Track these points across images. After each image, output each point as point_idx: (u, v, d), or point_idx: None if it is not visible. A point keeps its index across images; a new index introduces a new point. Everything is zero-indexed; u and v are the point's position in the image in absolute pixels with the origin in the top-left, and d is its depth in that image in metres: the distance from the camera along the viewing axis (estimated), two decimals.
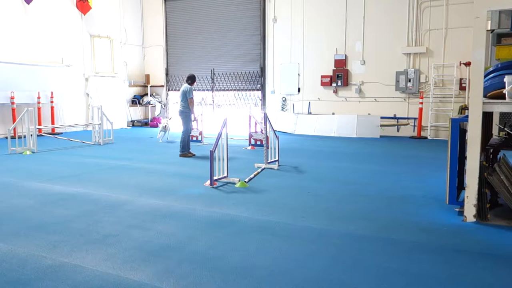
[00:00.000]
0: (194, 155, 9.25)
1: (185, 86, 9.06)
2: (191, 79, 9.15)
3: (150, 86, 17.54)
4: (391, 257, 3.71)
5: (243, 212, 5.05)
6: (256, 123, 10.78)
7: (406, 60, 13.21)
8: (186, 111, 9.05)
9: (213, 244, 4.01)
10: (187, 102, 8.97)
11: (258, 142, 10.62)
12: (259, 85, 15.67)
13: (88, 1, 14.68)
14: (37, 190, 6.15)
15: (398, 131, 13.27)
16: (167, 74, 17.44)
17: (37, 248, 3.90)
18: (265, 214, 4.99)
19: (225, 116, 6.91)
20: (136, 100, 17.19)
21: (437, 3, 12.69)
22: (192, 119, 9.18)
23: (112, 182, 6.74)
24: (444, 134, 12.60)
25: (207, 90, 16.48)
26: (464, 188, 4.82)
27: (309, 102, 14.63)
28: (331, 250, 3.88)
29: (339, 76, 13.99)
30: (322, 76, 14.30)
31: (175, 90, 17.33)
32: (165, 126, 11.79)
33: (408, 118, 13.19)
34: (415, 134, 13.02)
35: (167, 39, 17.25)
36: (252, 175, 7.11)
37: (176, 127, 12.67)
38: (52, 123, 13.49)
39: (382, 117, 13.20)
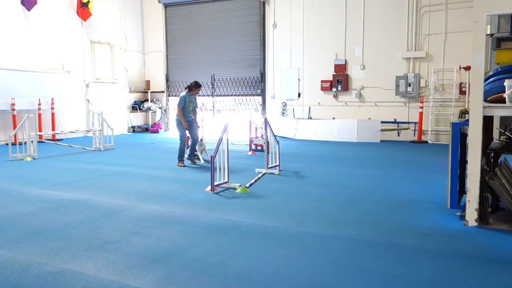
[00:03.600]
0: (184, 165, 8.63)
1: (182, 93, 8.76)
2: (189, 86, 8.71)
3: (151, 92, 17.57)
4: (393, 262, 3.70)
5: (244, 218, 5.04)
6: (256, 128, 10.79)
7: (406, 65, 13.24)
8: (177, 119, 8.71)
9: (214, 250, 4.00)
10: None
11: (259, 147, 10.63)
12: (259, 90, 15.70)
13: (88, 8, 14.74)
14: (37, 197, 6.14)
15: (398, 135, 13.27)
16: (167, 80, 17.48)
17: (38, 255, 3.89)
18: (266, 219, 4.98)
19: (226, 122, 6.92)
20: (137, 106, 17.21)
21: (436, 7, 12.73)
22: (185, 126, 8.62)
23: (113, 188, 6.73)
24: (445, 139, 12.59)
25: (208, 95, 16.50)
26: (465, 192, 4.81)
27: (309, 107, 14.65)
28: (332, 256, 3.87)
29: (339, 81, 14.02)
30: (322, 81, 14.32)
31: (175, 96, 17.35)
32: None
33: (408, 123, 13.19)
34: (415, 138, 13.01)
35: (167, 45, 17.30)
36: (253, 180, 7.10)
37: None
38: (53, 129, 13.50)
39: (382, 122, 13.20)
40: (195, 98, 8.86)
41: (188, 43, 16.82)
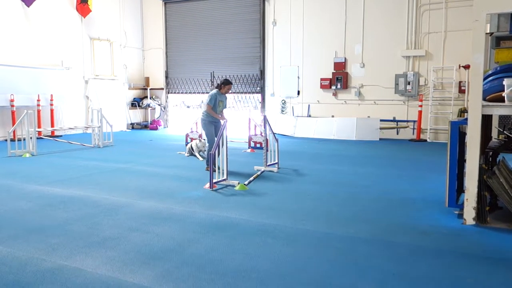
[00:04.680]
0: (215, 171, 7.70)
1: (212, 90, 7.88)
2: (219, 84, 7.88)
3: (150, 89, 17.54)
4: (391, 260, 3.71)
5: (243, 215, 5.05)
6: (255, 126, 10.80)
7: (406, 63, 13.24)
8: (203, 118, 7.82)
9: (212, 247, 4.01)
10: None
11: (258, 145, 10.63)
12: (258, 88, 15.69)
13: (88, 4, 14.71)
14: (36, 193, 6.14)
15: (397, 134, 13.28)
16: (166, 77, 17.46)
17: (37, 251, 3.89)
18: (265, 217, 4.99)
19: (225, 119, 6.92)
20: (136, 103, 17.19)
21: (436, 6, 12.72)
22: (222, 122, 7.58)
23: (112, 185, 6.73)
24: (444, 137, 12.61)
25: (207, 92, 16.48)
26: (463, 191, 4.82)
27: (309, 105, 14.65)
28: (331, 253, 3.88)
29: (339, 79, 14.02)
30: (322, 79, 14.32)
31: (174, 93, 17.38)
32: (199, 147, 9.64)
33: (407, 121, 13.20)
34: (414, 137, 13.03)
35: (167, 42, 17.28)
36: (251, 178, 7.10)
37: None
38: (52, 125, 13.48)
39: (381, 120, 13.21)
40: (226, 98, 8.00)
41: (187, 40, 16.79)
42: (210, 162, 6.30)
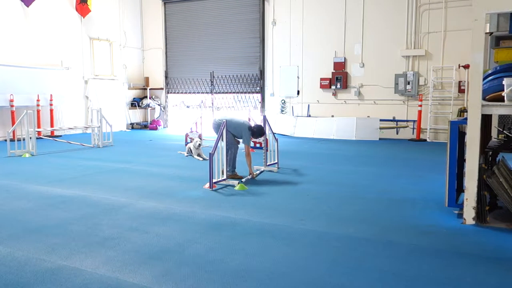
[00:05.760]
0: (241, 178, 7.15)
1: (245, 127, 7.18)
2: (253, 131, 7.26)
3: (150, 89, 17.54)
4: (391, 260, 3.71)
5: (243, 215, 5.05)
6: None
7: (405, 63, 13.24)
8: (214, 123, 7.28)
9: (212, 247, 4.01)
10: (235, 125, 7.17)
11: (258, 145, 10.62)
12: (258, 88, 15.69)
13: (87, 4, 14.70)
14: (36, 193, 6.14)
15: (397, 133, 13.29)
16: (166, 77, 17.45)
17: (36, 251, 3.89)
18: (265, 216, 4.99)
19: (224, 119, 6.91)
20: (136, 103, 17.19)
21: (435, 5, 12.72)
22: (249, 175, 7.28)
23: (112, 184, 6.73)
24: (443, 137, 12.61)
25: (207, 92, 16.51)
26: (463, 191, 4.82)
27: (309, 105, 14.65)
28: (330, 253, 3.88)
29: (338, 78, 14.02)
30: (322, 79, 14.32)
31: (174, 93, 17.37)
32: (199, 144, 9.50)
33: (407, 121, 13.20)
34: (414, 136, 13.03)
35: (167, 42, 17.27)
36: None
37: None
38: (52, 125, 13.48)
39: (381, 120, 13.21)
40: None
41: (187, 40, 16.79)
42: (210, 162, 6.28)
